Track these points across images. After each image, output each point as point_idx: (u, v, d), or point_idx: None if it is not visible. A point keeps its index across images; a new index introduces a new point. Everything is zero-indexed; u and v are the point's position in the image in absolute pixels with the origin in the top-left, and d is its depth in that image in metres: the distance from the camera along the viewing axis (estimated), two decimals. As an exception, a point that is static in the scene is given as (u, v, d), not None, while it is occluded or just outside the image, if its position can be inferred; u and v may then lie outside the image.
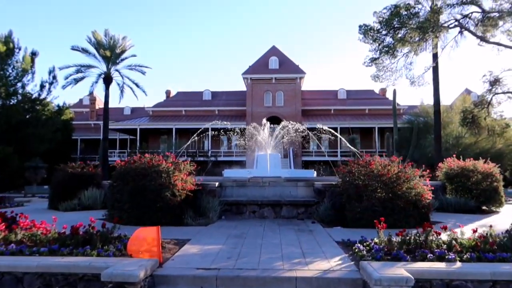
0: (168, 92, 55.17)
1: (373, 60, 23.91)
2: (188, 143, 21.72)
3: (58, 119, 26.05)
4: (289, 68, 45.24)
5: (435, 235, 6.29)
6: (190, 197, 9.87)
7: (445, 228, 6.60)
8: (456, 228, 9.13)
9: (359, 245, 6.41)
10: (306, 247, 6.80)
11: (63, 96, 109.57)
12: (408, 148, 35.16)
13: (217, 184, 10.92)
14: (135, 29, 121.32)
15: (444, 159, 15.27)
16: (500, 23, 22.63)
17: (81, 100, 63.85)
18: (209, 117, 47.01)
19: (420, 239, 6.25)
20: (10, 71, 23.32)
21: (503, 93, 29.54)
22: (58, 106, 26.05)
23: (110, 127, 45.77)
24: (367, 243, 6.65)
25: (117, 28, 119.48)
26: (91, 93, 57.83)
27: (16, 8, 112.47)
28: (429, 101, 41.46)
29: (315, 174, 15.79)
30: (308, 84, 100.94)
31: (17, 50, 24.81)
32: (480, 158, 14.59)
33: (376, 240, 6.87)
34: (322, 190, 10.71)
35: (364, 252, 6.09)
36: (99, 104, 64.55)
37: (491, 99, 30.18)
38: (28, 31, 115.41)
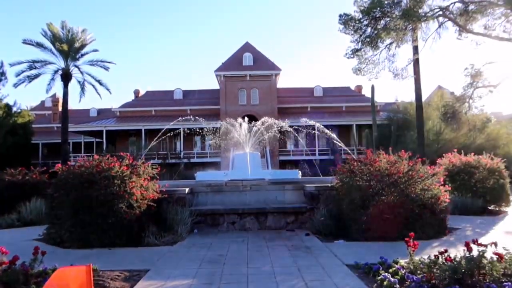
0: (137, 92, 52.35)
1: (355, 51, 22.41)
2: (152, 144, 19.49)
3: (6, 121, 23.05)
4: (264, 65, 43.46)
5: (493, 256, 4.52)
6: (152, 208, 7.81)
7: (495, 245, 4.84)
8: (476, 236, 7.54)
9: (386, 274, 4.56)
10: (310, 276, 4.91)
11: (21, 97, 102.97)
12: (388, 145, 34.06)
13: (187, 190, 8.89)
14: (100, 26, 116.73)
15: (444, 155, 13.80)
16: (479, 16, 21.62)
17: (43, 102, 60.02)
18: (181, 117, 44.68)
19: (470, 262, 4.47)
20: None
21: (484, 86, 28.80)
22: (7, 106, 23.01)
23: (73, 129, 42.85)
24: (394, 268, 4.84)
25: (80, 25, 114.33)
26: (53, 95, 54.65)
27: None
28: (404, 98, 40.91)
29: (300, 174, 13.98)
30: (283, 81, 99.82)
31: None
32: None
33: (403, 263, 5.08)
34: (315, 194, 8.87)
35: (398, 285, 4.26)
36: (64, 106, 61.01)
37: (472, 93, 29.42)
38: None
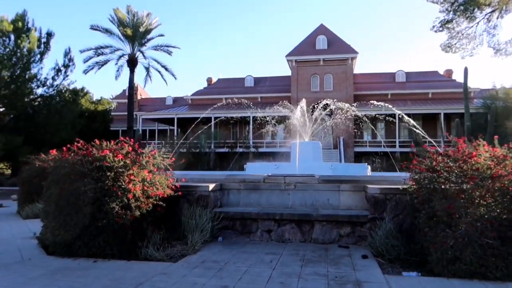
0: (209, 80, 52.36)
1: (444, 23, 18.76)
2: (187, 133, 18.06)
3: (74, 107, 23.43)
4: (339, 48, 40.19)
5: None
6: (159, 209, 6.09)
7: None
8: None
9: None
10: None
11: (105, 86, 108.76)
12: (483, 137, 29.28)
13: (211, 186, 7.02)
14: (174, 15, 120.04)
15: None
16: None
17: (124, 91, 62.81)
18: (252, 104, 43.44)
19: None
20: (15, 52, 20.81)
21: None
22: (74, 91, 23.36)
23: (145, 116, 43.97)
24: None
25: (155, 17, 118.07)
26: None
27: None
28: (504, 83, 34.98)
29: (369, 170, 11.44)
30: (361, 66, 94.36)
31: (33, 31, 22.33)
32: None
33: None
34: (380, 199, 6.46)
35: None
36: (142, 94, 63.44)
37: None
38: (54, 15, 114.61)
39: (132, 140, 6.41)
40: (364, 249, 6.13)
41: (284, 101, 17.08)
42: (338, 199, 7.18)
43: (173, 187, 6.55)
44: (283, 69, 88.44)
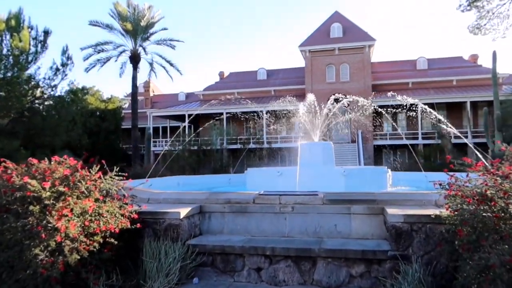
0: (221, 74, 50.90)
1: (472, 1, 16.66)
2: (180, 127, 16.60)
3: (73, 107, 22.29)
4: (355, 35, 37.96)
5: None
6: (108, 250, 4.61)
7: None
8: None
9: None
10: None
11: (118, 85, 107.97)
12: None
13: (184, 212, 5.49)
14: (182, 8, 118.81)
15: None
16: None
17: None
18: (265, 98, 41.84)
19: None
20: (7, 52, 19.81)
21: None
22: (72, 91, 22.16)
23: (156, 114, 42.99)
24: None
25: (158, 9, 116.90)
26: (145, 81, 55.79)
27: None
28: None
29: (389, 174, 9.68)
30: (379, 55, 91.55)
31: (29, 30, 21.32)
32: None
33: None
34: (405, 229, 4.79)
35: None
36: (155, 90, 62.48)
37: None
38: (52, 14, 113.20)
39: (72, 159, 4.93)
40: (384, 300, 4.52)
41: (290, 96, 15.46)
42: (349, 225, 5.55)
43: (133, 216, 5.06)
44: (298, 61, 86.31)
